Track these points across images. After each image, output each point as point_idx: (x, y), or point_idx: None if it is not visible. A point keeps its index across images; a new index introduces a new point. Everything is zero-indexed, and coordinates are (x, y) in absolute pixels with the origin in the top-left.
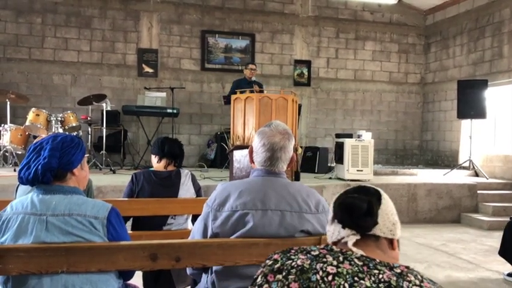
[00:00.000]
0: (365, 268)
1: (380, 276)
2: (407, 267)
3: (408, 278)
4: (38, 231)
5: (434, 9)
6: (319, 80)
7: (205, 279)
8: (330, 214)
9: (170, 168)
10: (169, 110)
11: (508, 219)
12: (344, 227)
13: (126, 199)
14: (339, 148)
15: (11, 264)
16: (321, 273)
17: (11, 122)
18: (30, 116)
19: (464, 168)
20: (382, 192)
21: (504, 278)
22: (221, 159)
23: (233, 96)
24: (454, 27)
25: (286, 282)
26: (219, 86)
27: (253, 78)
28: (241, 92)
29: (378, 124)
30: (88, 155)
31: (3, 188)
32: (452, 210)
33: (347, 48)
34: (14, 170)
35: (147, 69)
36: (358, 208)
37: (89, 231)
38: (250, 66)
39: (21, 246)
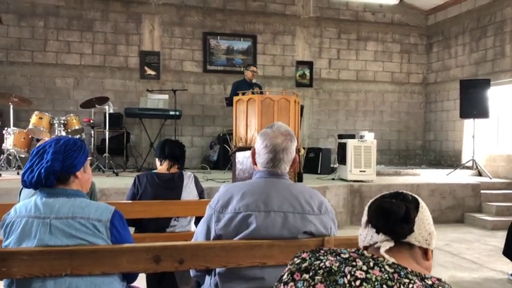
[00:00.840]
0: (396, 276)
1: (410, 286)
2: (439, 280)
3: None
4: (41, 234)
5: (436, 9)
6: (321, 81)
7: (209, 281)
8: (364, 218)
9: (173, 170)
10: (171, 112)
11: (511, 218)
12: (378, 232)
13: (129, 201)
14: (342, 149)
15: (15, 268)
16: (349, 276)
17: (14, 126)
18: (33, 119)
19: (467, 168)
20: (420, 200)
21: (508, 278)
22: (224, 161)
23: (235, 98)
24: (455, 27)
25: (312, 283)
26: (221, 87)
27: (254, 80)
28: (243, 94)
29: (381, 124)
30: (90, 157)
31: (6, 191)
32: (456, 210)
33: (348, 48)
34: (18, 173)
35: (149, 71)
36: (395, 213)
37: (93, 234)
38: (252, 68)
39: (25, 249)
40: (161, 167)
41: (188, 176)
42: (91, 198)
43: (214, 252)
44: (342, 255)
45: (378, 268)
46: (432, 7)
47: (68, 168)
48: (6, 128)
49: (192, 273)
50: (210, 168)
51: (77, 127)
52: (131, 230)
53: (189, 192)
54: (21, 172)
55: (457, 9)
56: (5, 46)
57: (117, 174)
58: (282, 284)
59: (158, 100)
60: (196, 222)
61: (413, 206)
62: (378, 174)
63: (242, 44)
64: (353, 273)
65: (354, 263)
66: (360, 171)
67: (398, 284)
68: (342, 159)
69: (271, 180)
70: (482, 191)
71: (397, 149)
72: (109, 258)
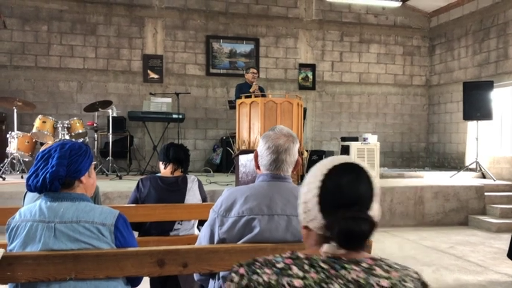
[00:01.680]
0: (332, 272)
1: (348, 276)
2: (373, 259)
3: (375, 272)
4: (46, 239)
5: (438, 11)
6: (324, 84)
7: (213, 285)
8: (315, 197)
9: (177, 173)
10: (174, 116)
11: None
12: (330, 240)
13: (133, 205)
14: (345, 151)
15: (20, 272)
16: None
17: (18, 129)
18: (37, 123)
19: (471, 170)
20: (369, 172)
21: None
22: (227, 164)
23: (238, 101)
24: (458, 29)
25: None
26: (224, 90)
27: (255, 82)
28: (246, 97)
29: (384, 127)
30: (95, 162)
31: (10, 195)
32: (460, 212)
33: (351, 51)
34: (22, 177)
35: (152, 75)
36: (360, 236)
37: (97, 238)
38: (252, 70)
39: (29, 253)
40: (165, 170)
41: (192, 180)
42: (94, 202)
43: (218, 255)
44: (277, 265)
45: (313, 270)
46: (435, 9)
47: (73, 173)
48: (10, 132)
49: (196, 277)
50: (213, 171)
51: (80, 131)
52: (135, 234)
53: (193, 196)
54: (25, 176)
55: (459, 11)
56: (9, 50)
57: (120, 178)
58: None
59: (161, 103)
60: (200, 226)
61: (370, 199)
62: (382, 176)
63: (245, 47)
64: (291, 283)
65: (290, 272)
66: None
67: (335, 278)
68: None
69: (275, 184)
70: (486, 193)
71: (400, 151)
72: (113, 262)
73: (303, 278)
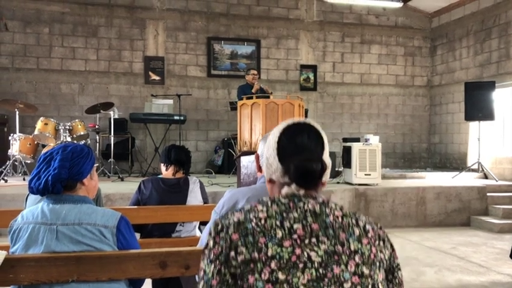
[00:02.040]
0: (291, 204)
1: (305, 206)
2: (328, 199)
3: (330, 205)
4: (48, 241)
5: (440, 11)
6: (325, 85)
7: None
8: (274, 150)
9: (179, 175)
10: (176, 117)
11: None
12: (291, 184)
13: (135, 207)
14: (347, 152)
15: (22, 274)
16: (254, 220)
17: (19, 132)
18: (39, 125)
19: (473, 170)
20: (319, 129)
21: None
22: (228, 165)
23: (239, 102)
24: (459, 29)
25: (228, 236)
26: (225, 92)
27: (256, 83)
28: (248, 98)
29: (386, 127)
30: (97, 164)
31: (12, 197)
32: (462, 213)
33: (352, 52)
34: (24, 179)
35: (154, 76)
36: (313, 174)
37: (99, 240)
38: (252, 71)
39: (31, 256)
40: (167, 172)
41: (193, 181)
42: (96, 204)
43: None
44: (245, 208)
45: (275, 204)
46: (436, 10)
47: (75, 175)
48: (12, 134)
49: (198, 278)
50: (215, 173)
51: (82, 133)
52: (137, 235)
53: (194, 197)
54: (27, 178)
55: (460, 11)
56: (11, 53)
57: (122, 179)
58: (207, 249)
59: (162, 105)
60: (202, 226)
61: (321, 149)
62: (384, 177)
63: (246, 49)
64: (257, 215)
65: (256, 209)
66: (365, 174)
67: (294, 209)
68: (347, 163)
69: None
70: (488, 194)
71: (402, 152)
72: (115, 264)
73: (266, 211)
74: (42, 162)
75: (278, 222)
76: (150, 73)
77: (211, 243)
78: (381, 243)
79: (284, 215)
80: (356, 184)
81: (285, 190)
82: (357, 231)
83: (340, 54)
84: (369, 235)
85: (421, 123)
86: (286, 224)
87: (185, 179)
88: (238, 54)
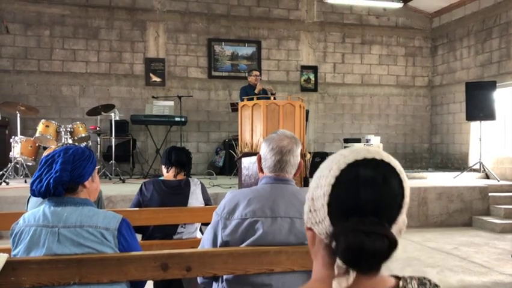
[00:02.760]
0: None
1: None
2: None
3: None
4: (50, 243)
5: (440, 11)
6: (326, 85)
7: None
8: (323, 197)
9: (180, 177)
10: (177, 119)
11: None
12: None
13: (136, 209)
14: None
15: (24, 277)
16: None
17: (21, 134)
18: (40, 127)
19: (475, 170)
20: (402, 173)
21: None
22: (229, 167)
23: (240, 103)
24: (460, 29)
25: None
26: (226, 93)
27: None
28: (249, 99)
29: (387, 128)
30: (98, 166)
31: (14, 199)
32: (463, 213)
33: (353, 52)
34: (25, 182)
35: (154, 78)
36: (373, 256)
37: (101, 242)
38: (254, 72)
39: (33, 258)
40: (168, 174)
41: (195, 183)
42: (98, 206)
43: (222, 259)
44: None
45: None
46: (437, 10)
47: (76, 178)
48: (13, 137)
49: (199, 280)
50: (216, 174)
51: (83, 135)
52: (138, 237)
53: (196, 199)
54: (28, 180)
55: (461, 11)
56: (12, 55)
57: (124, 181)
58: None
59: (163, 106)
60: (203, 226)
61: (397, 210)
62: None
63: (246, 50)
64: None
65: None
66: None
67: None
68: None
69: (277, 186)
70: (490, 194)
71: (403, 153)
72: (116, 267)
73: None
74: (44, 165)
75: None
76: (151, 75)
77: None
78: None
79: None
80: None
81: (335, 285)
82: None
83: (341, 54)
84: None
85: (422, 124)
86: None
87: (187, 180)
88: (239, 55)
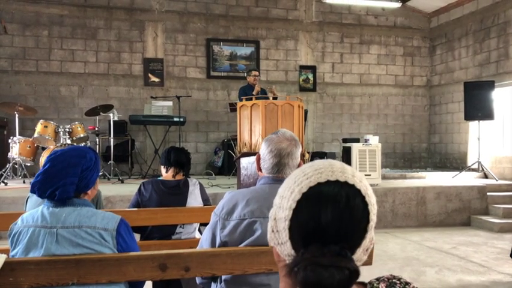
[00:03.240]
0: None
1: None
2: None
3: None
4: (48, 244)
5: (438, 11)
6: (324, 85)
7: None
8: (284, 222)
9: (179, 177)
10: (175, 119)
11: None
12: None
13: (135, 209)
14: (347, 153)
15: (22, 278)
16: None
17: (19, 134)
18: (39, 127)
19: (473, 170)
20: (369, 194)
21: None
22: (228, 167)
23: (239, 104)
24: (458, 29)
25: None
26: (224, 93)
27: (257, 84)
28: (247, 99)
29: (385, 128)
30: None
31: (13, 200)
32: (462, 213)
33: (351, 52)
34: (24, 182)
35: (153, 78)
36: (331, 287)
37: (99, 243)
38: (254, 72)
39: (31, 259)
40: (167, 174)
41: (193, 183)
42: (96, 206)
43: (220, 259)
44: None
45: None
46: (435, 9)
47: (81, 188)
48: (11, 137)
49: (198, 280)
50: (215, 174)
51: (82, 135)
52: (136, 236)
53: (194, 199)
54: (27, 181)
55: (459, 11)
56: (10, 55)
57: (122, 182)
58: None
59: (162, 107)
60: (202, 226)
61: (360, 236)
62: (384, 177)
63: (245, 50)
64: None
65: None
66: (366, 175)
67: None
68: (347, 163)
69: (276, 186)
70: (488, 193)
71: (402, 152)
72: (115, 267)
73: None
74: (51, 168)
75: None
76: (149, 75)
77: None
78: None
79: None
80: None
81: None
82: None
83: (339, 54)
84: None
85: (421, 123)
86: None
87: (185, 181)
88: (238, 55)
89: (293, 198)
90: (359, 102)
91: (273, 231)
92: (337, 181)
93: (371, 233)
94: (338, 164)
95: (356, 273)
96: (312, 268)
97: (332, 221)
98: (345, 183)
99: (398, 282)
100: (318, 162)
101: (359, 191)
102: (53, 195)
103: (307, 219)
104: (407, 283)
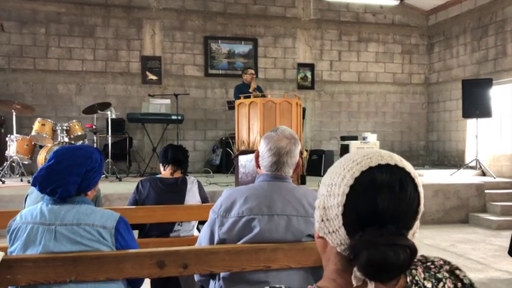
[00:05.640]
0: None
1: None
2: None
3: None
4: (46, 241)
5: (437, 9)
6: (323, 83)
7: (213, 286)
8: (337, 207)
9: (177, 175)
10: (173, 117)
11: None
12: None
13: (133, 207)
14: (345, 151)
15: (20, 275)
16: None
17: (17, 132)
18: (36, 125)
19: (471, 167)
20: (417, 179)
21: None
22: (226, 165)
23: (237, 101)
24: (456, 27)
25: None
26: (222, 91)
27: (253, 82)
28: (245, 97)
29: (383, 126)
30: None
31: (10, 198)
32: (460, 210)
33: (349, 50)
34: (21, 180)
35: (151, 76)
36: (395, 268)
37: (98, 240)
38: (250, 71)
39: (29, 256)
40: (165, 172)
41: (191, 181)
42: (95, 204)
43: (218, 256)
44: None
45: None
46: (433, 7)
47: (83, 188)
48: (9, 135)
49: (196, 277)
50: (213, 172)
51: (79, 133)
52: (135, 232)
53: (192, 197)
54: (24, 179)
55: (457, 9)
56: (7, 53)
57: (120, 180)
58: None
59: (160, 105)
60: (200, 225)
61: (413, 217)
62: None
63: (243, 48)
64: None
65: None
66: None
67: None
68: None
69: (275, 184)
70: (486, 191)
71: (400, 150)
72: (113, 264)
73: None
74: (55, 164)
75: None
76: (147, 73)
77: None
78: None
79: None
80: None
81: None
82: None
83: (337, 52)
84: None
85: (419, 121)
86: None
87: (183, 178)
88: (236, 53)
89: (346, 183)
90: (357, 100)
91: (322, 220)
92: (388, 164)
93: (419, 217)
94: (383, 150)
95: (416, 251)
96: (375, 248)
97: (389, 204)
98: (396, 166)
99: (432, 266)
100: (362, 150)
101: (409, 173)
102: (54, 192)
103: (364, 203)
104: (441, 266)
